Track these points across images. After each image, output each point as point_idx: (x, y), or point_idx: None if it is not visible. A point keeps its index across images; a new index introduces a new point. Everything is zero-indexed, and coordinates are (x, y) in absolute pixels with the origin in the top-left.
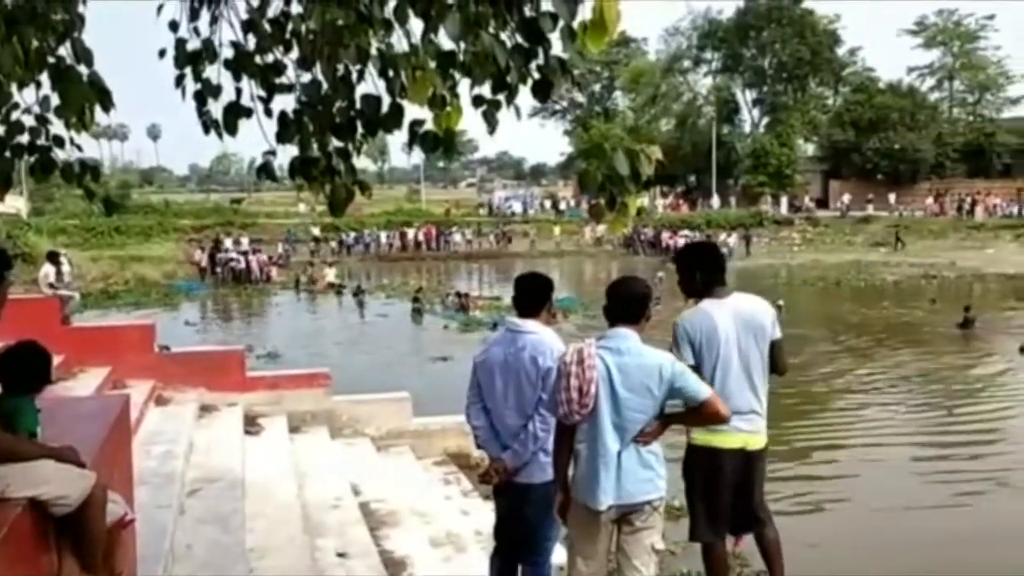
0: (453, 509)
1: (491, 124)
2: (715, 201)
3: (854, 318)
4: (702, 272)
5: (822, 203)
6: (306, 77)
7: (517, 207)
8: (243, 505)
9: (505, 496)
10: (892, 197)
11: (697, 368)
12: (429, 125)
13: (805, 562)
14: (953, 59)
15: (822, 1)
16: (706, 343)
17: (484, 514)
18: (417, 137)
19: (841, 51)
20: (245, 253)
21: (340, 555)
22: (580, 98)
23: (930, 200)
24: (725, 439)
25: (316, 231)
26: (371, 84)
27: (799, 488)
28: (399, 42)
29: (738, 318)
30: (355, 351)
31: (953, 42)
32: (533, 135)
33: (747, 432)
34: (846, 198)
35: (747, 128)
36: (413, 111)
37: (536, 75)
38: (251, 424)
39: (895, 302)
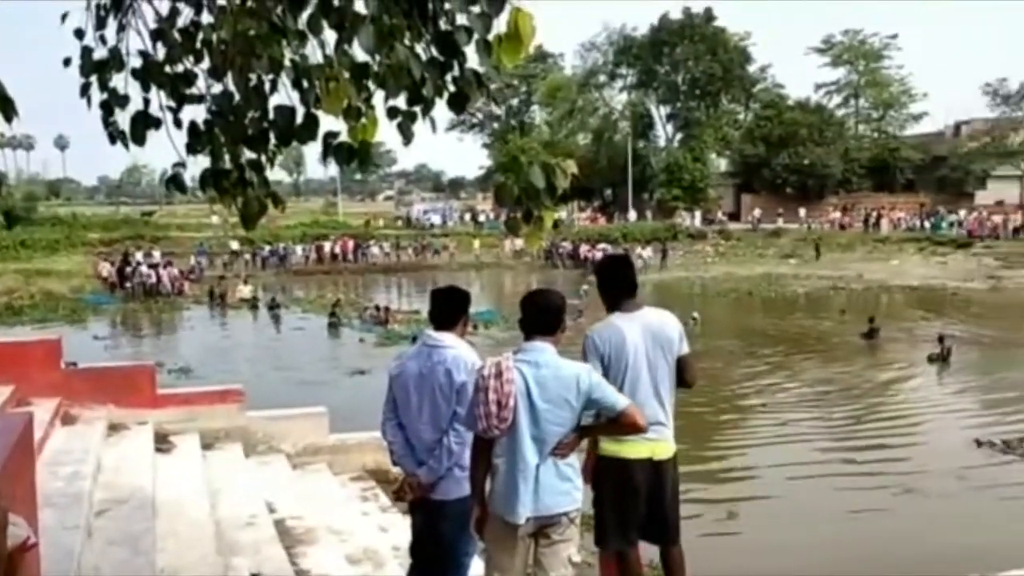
0: (371, 525)
1: (406, 136)
2: (632, 215)
3: (766, 329)
4: (612, 285)
5: (734, 217)
6: (217, 87)
7: (436, 220)
8: (154, 525)
9: (421, 512)
10: (802, 211)
11: (608, 368)
12: (344, 137)
13: (718, 572)
14: (858, 77)
15: (733, 19)
16: (615, 356)
17: (403, 530)
18: (331, 149)
19: (752, 68)
20: (156, 266)
21: (254, 575)
22: (498, 111)
23: (837, 214)
24: (632, 449)
25: (235, 244)
26: (284, 95)
27: (712, 495)
28: (314, 53)
29: (647, 331)
30: (270, 366)
31: (858, 60)
32: (452, 148)
33: (653, 441)
34: (756, 212)
35: (662, 143)
36: (328, 122)
37: (452, 88)
38: (162, 442)
39: (806, 313)
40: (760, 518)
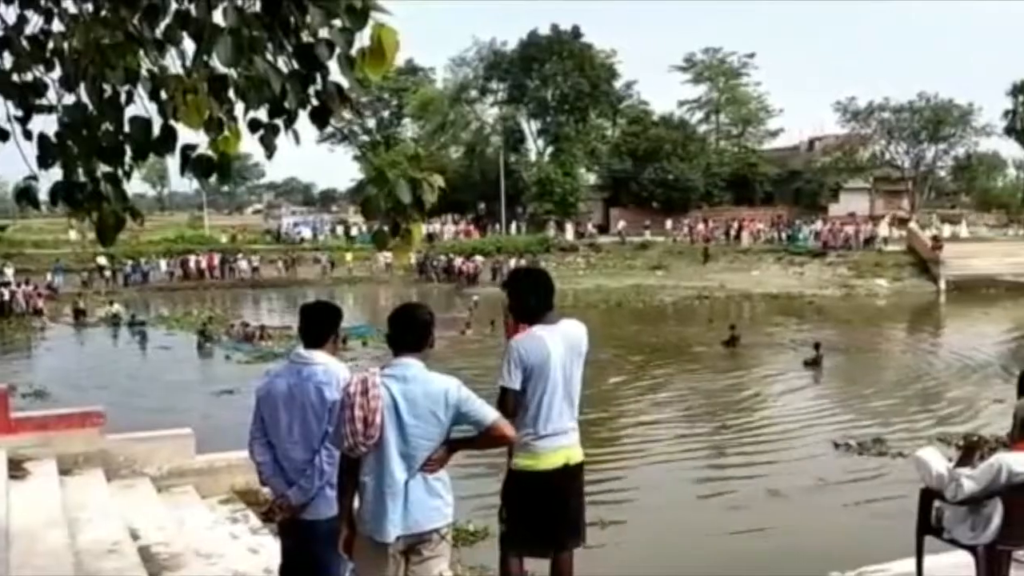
0: (241, 548)
1: (269, 149)
2: (513, 228)
3: (636, 338)
4: (532, 298)
5: (604, 229)
6: (69, 98)
7: (307, 233)
8: (7, 556)
9: (291, 533)
10: (668, 223)
11: (523, 391)
12: (203, 149)
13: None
14: (719, 94)
15: (600, 36)
16: (539, 368)
17: (274, 551)
18: (190, 162)
19: (618, 84)
20: (7, 284)
21: None
22: (368, 124)
23: (701, 226)
24: (548, 460)
25: (103, 260)
26: (141, 106)
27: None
28: (173, 63)
29: (566, 343)
30: (134, 387)
31: (718, 78)
32: (322, 160)
33: (568, 447)
34: (621, 224)
35: (533, 157)
36: (189, 135)
37: (314, 101)
38: (16, 469)
39: (673, 322)
40: (629, 523)
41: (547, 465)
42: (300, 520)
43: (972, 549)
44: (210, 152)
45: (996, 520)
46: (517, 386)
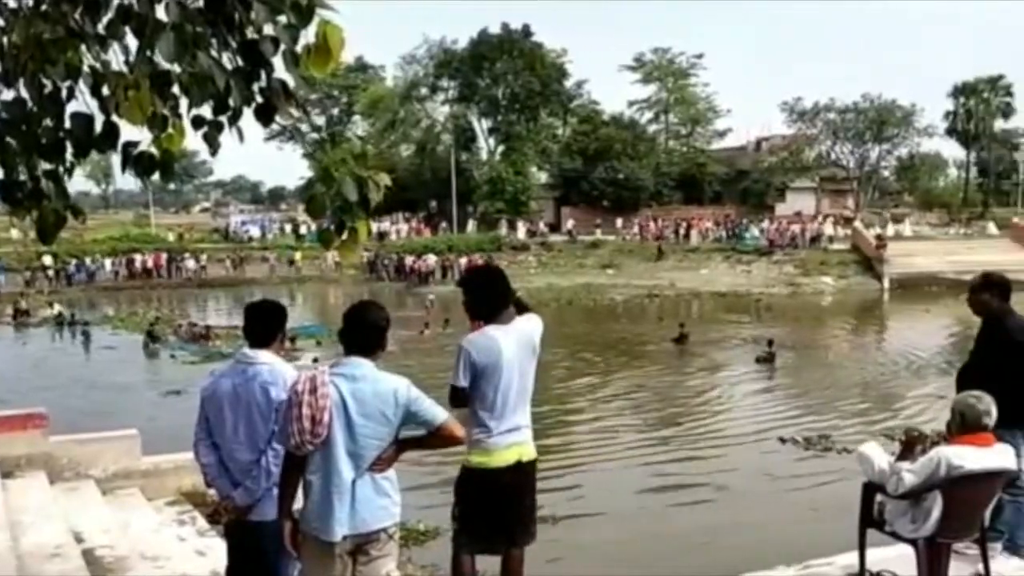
0: (188, 550)
1: (212, 146)
2: (470, 226)
3: (586, 336)
4: (487, 297)
5: (555, 228)
6: (9, 94)
7: (255, 232)
8: None
9: (238, 534)
10: (619, 222)
11: (473, 389)
12: (145, 146)
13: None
14: (668, 94)
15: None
16: (491, 368)
17: (222, 554)
18: (131, 159)
19: (568, 84)
20: None
21: None
22: (319, 121)
23: (651, 225)
24: (501, 457)
25: (48, 259)
26: (83, 102)
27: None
28: (115, 59)
29: (519, 342)
30: (78, 388)
31: (667, 78)
32: (271, 158)
33: (520, 445)
34: (570, 223)
35: (484, 155)
36: (133, 132)
37: (259, 98)
38: None
39: (623, 320)
40: (579, 520)
41: (500, 462)
42: (247, 521)
43: (913, 542)
44: (153, 149)
45: (936, 513)
46: (465, 384)
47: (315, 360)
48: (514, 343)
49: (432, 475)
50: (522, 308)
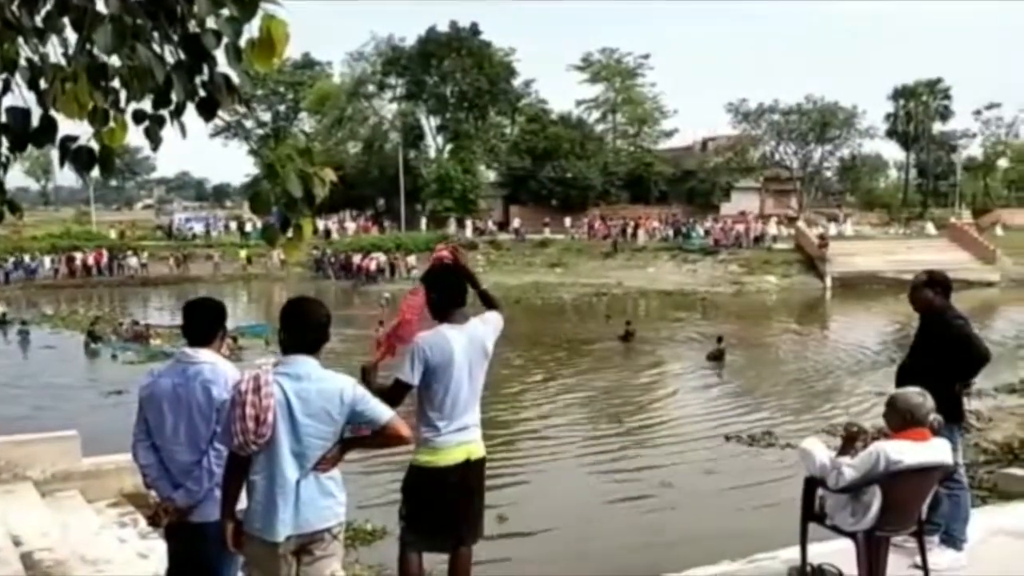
0: (130, 553)
1: (154, 141)
2: (422, 224)
3: (535, 334)
4: (443, 296)
5: (503, 227)
6: None
7: (199, 229)
8: None
9: (179, 537)
10: (568, 221)
11: (423, 388)
12: (85, 141)
13: (493, 571)
14: (615, 94)
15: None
16: (442, 366)
17: (164, 556)
18: (69, 154)
19: (517, 83)
20: None
21: None
22: (266, 118)
23: (599, 224)
24: (450, 455)
25: None
26: (19, 95)
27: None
28: (54, 52)
29: (472, 342)
30: (15, 388)
31: (615, 78)
32: (216, 155)
33: (469, 443)
34: (517, 222)
35: (432, 153)
36: (73, 127)
37: (202, 92)
38: None
39: (571, 319)
40: (526, 517)
41: (448, 461)
42: (188, 523)
43: (852, 535)
44: (93, 144)
45: (875, 507)
46: (415, 382)
47: (275, 364)
48: (467, 343)
49: (380, 475)
50: (489, 302)
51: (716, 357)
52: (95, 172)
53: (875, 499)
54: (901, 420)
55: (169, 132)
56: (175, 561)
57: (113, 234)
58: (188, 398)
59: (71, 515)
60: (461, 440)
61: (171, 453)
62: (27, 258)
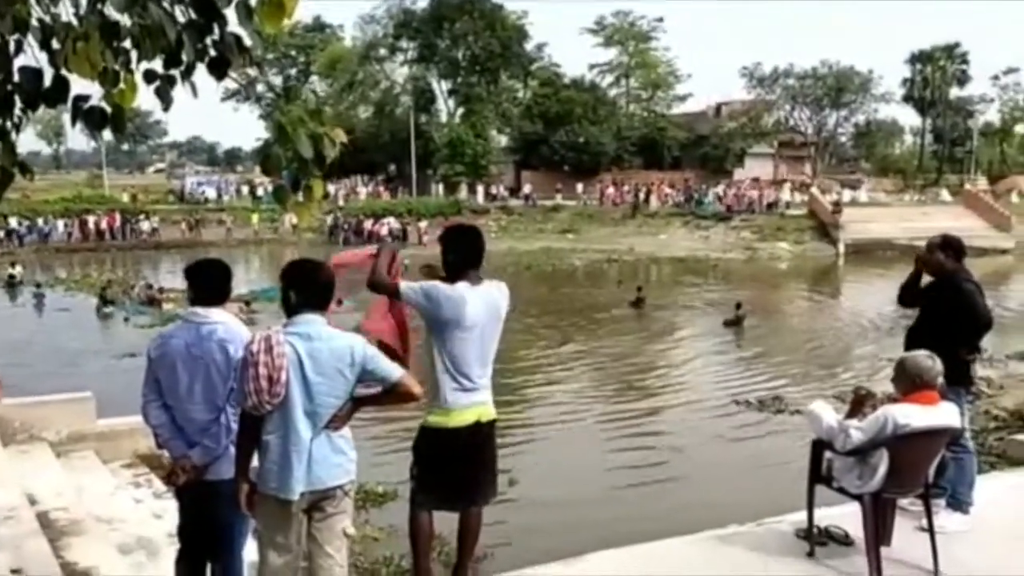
0: (144, 513)
1: (165, 101)
2: (437, 190)
3: (545, 300)
4: (460, 255)
5: (515, 192)
6: None
7: (211, 193)
8: None
9: (193, 495)
10: (580, 187)
11: (437, 343)
12: (97, 101)
13: (502, 534)
14: (629, 58)
15: None
16: (454, 321)
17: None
18: (82, 113)
19: (529, 46)
20: None
21: (15, 571)
22: (276, 81)
23: (611, 190)
24: (461, 417)
25: (13, 222)
26: (32, 56)
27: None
28: (65, 11)
29: (487, 305)
30: (31, 350)
31: (628, 42)
32: (227, 119)
33: (480, 405)
34: (527, 187)
35: (444, 118)
36: (84, 86)
37: (212, 52)
38: None
39: (582, 285)
40: (536, 480)
41: (459, 422)
42: (204, 481)
43: (859, 497)
44: (104, 104)
45: (882, 469)
46: (412, 294)
47: (285, 325)
48: (482, 304)
49: (391, 437)
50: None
51: (735, 323)
52: (107, 133)
53: (882, 462)
54: (910, 383)
55: (180, 94)
56: (188, 519)
57: (125, 198)
58: (204, 357)
59: (86, 476)
60: (472, 401)
61: (186, 412)
62: (40, 221)
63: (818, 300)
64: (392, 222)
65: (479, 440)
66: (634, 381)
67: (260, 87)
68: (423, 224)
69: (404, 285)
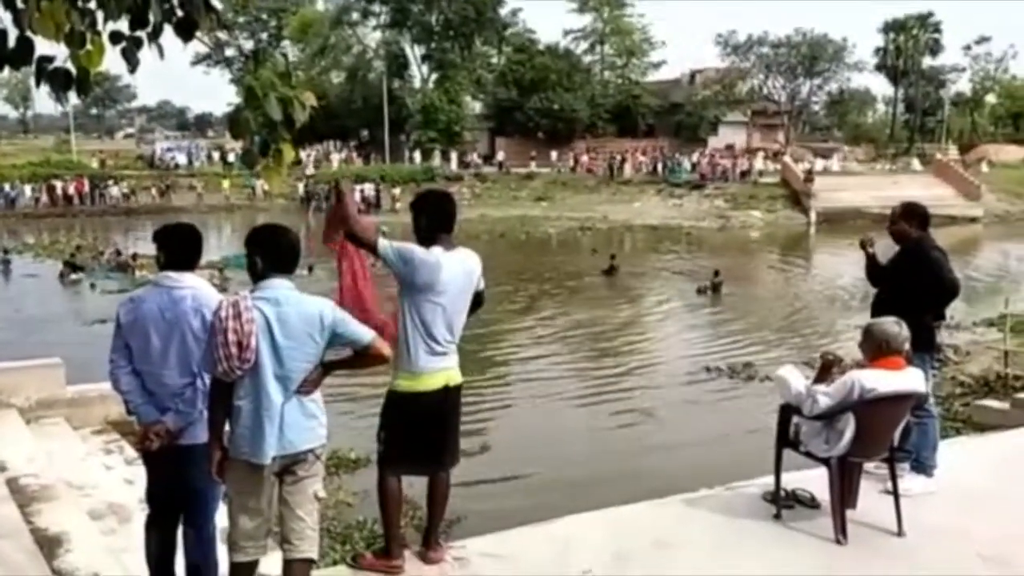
0: (115, 479)
1: (131, 63)
2: (418, 157)
3: (518, 268)
4: (433, 220)
5: (489, 159)
6: None
7: (181, 159)
8: None
9: (165, 459)
10: (554, 154)
11: (409, 308)
12: (62, 62)
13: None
14: (603, 24)
15: None
16: (428, 285)
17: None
18: (46, 75)
19: (503, 11)
20: None
21: None
22: (248, 46)
23: (585, 158)
24: (430, 381)
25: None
26: None
27: (465, 428)
28: None
29: (461, 269)
30: None
31: (603, 7)
32: (198, 84)
33: (449, 369)
34: (501, 155)
35: (417, 84)
36: (49, 47)
37: (179, 12)
38: None
39: (556, 253)
40: (506, 445)
41: (428, 386)
42: (177, 446)
43: (826, 461)
44: (69, 66)
45: (848, 434)
46: (389, 253)
47: (252, 291)
48: (458, 269)
49: (364, 404)
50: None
51: (712, 289)
52: (73, 96)
53: (848, 426)
54: (876, 349)
55: (148, 57)
56: (160, 484)
57: (94, 163)
58: (179, 322)
59: (56, 442)
60: (441, 366)
61: (159, 377)
62: (7, 187)
63: (789, 268)
64: (366, 188)
65: (447, 404)
66: (606, 348)
67: (230, 51)
68: (396, 191)
69: (383, 243)
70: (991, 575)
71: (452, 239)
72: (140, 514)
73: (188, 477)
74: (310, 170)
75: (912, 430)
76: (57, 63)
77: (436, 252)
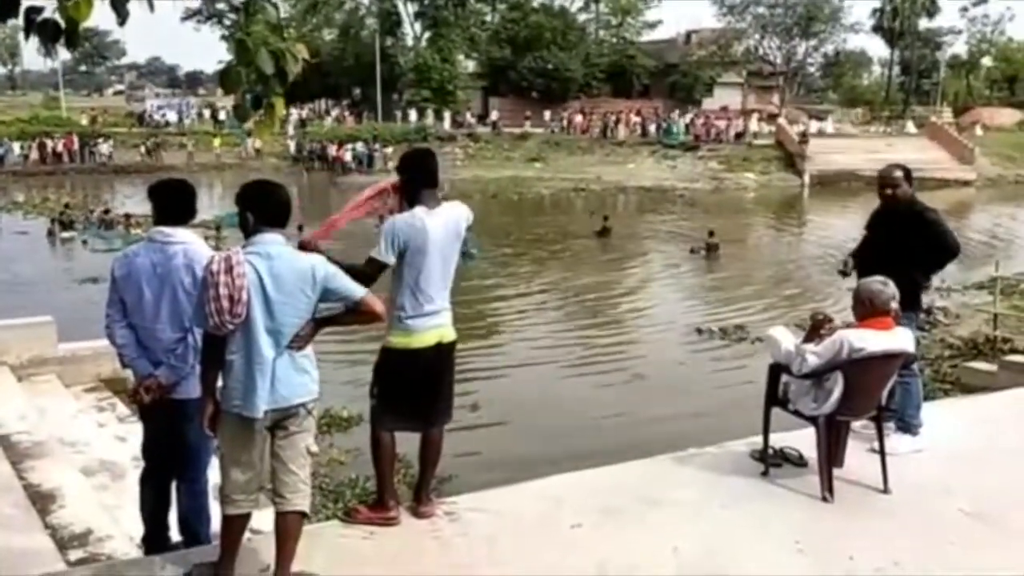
0: (108, 436)
1: (120, 15)
2: (412, 116)
3: (511, 229)
4: (416, 178)
5: (483, 119)
6: None
7: (172, 117)
8: None
9: (159, 414)
10: (547, 114)
11: (397, 268)
12: (50, 13)
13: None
14: None
15: None
16: (413, 247)
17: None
18: (34, 26)
19: None
20: None
21: None
22: (237, 1)
23: (579, 118)
24: (422, 338)
25: None
26: None
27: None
28: None
29: (447, 226)
30: None
31: None
32: (189, 40)
33: (441, 327)
34: (495, 115)
35: (410, 42)
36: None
37: None
38: None
39: (549, 214)
40: (499, 404)
41: (420, 343)
42: (170, 400)
43: (813, 420)
44: (57, 18)
45: (836, 393)
46: (391, 261)
47: (244, 246)
48: (441, 226)
49: (357, 362)
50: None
51: (708, 249)
52: (63, 51)
53: (837, 385)
54: (864, 308)
55: (138, 11)
56: (153, 438)
57: (84, 120)
58: (171, 277)
59: (48, 399)
60: (434, 324)
61: (152, 332)
62: None
63: (783, 230)
64: (358, 147)
65: (440, 361)
66: (598, 309)
67: (221, 5)
68: (389, 150)
69: (374, 252)
70: (973, 530)
71: (437, 194)
72: (133, 471)
73: (181, 431)
74: (290, 132)
75: (896, 390)
76: (45, 14)
77: (419, 214)
